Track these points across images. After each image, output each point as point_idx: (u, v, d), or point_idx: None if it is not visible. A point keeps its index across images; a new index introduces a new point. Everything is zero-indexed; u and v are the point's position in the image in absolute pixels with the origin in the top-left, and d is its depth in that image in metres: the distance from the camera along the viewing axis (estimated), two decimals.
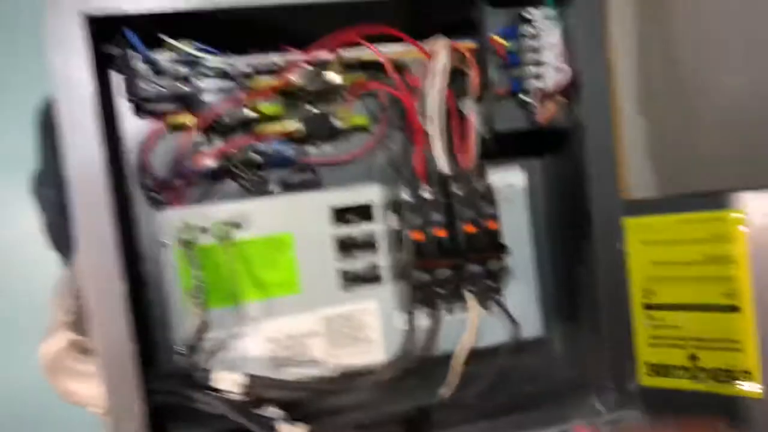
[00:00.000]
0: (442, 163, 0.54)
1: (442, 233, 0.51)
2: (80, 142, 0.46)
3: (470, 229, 0.52)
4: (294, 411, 0.54)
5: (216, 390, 0.51)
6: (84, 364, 0.51)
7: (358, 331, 0.57)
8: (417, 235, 0.51)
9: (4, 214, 0.97)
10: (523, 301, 0.60)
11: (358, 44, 0.55)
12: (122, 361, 0.46)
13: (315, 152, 0.61)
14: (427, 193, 0.52)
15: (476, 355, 0.57)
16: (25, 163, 0.93)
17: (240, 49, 0.55)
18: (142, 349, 0.56)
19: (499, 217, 0.53)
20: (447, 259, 0.51)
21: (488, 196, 0.53)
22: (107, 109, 0.52)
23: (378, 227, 0.57)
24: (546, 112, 0.56)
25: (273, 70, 0.56)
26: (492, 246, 0.52)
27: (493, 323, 0.59)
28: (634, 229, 0.64)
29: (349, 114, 0.58)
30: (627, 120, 0.84)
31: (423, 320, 0.57)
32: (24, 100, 0.94)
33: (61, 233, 0.93)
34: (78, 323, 0.55)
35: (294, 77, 0.55)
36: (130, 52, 0.51)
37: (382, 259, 0.57)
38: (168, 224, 0.53)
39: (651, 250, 0.74)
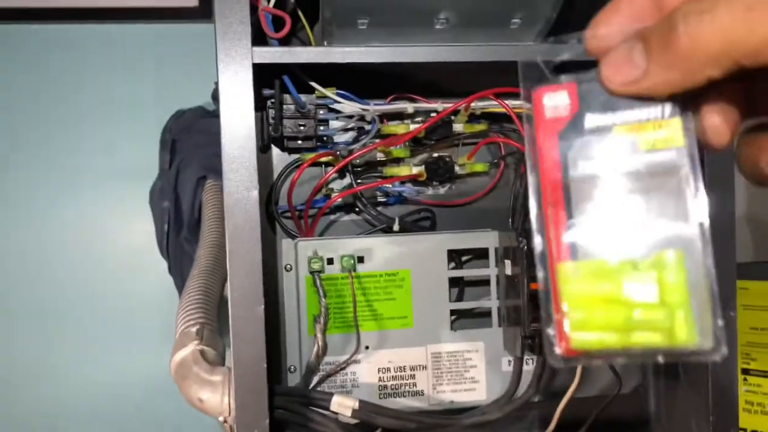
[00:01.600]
0: None
1: None
2: (239, 173, 0.50)
3: None
4: None
5: (330, 411, 0.54)
6: (211, 373, 0.56)
7: (463, 369, 0.59)
8: (535, 285, 0.53)
9: (124, 223, 1.05)
10: None
11: (486, 98, 0.59)
12: (255, 378, 0.51)
13: (433, 194, 0.64)
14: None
15: (575, 403, 0.58)
16: (145, 176, 1.00)
17: (376, 96, 0.59)
18: (268, 366, 0.60)
19: None
20: None
21: None
22: (260, 143, 0.57)
23: (492, 272, 0.59)
24: None
25: (404, 117, 0.59)
26: None
27: (593, 374, 0.60)
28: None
29: (470, 161, 0.62)
30: None
31: (526, 365, 0.59)
32: (148, 117, 1.03)
33: (172, 243, 0.99)
34: (204, 334, 0.59)
35: (424, 126, 0.58)
36: (284, 96, 0.56)
37: (493, 302, 0.59)
38: (301, 254, 0.57)
39: (750, 315, 0.74)
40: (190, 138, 0.99)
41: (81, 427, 1.02)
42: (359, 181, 0.61)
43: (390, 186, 0.62)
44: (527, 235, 0.55)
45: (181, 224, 0.96)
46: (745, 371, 0.73)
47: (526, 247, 0.55)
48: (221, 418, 0.54)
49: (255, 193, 0.50)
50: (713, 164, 0.55)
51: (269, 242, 0.62)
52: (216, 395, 0.55)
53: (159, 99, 1.03)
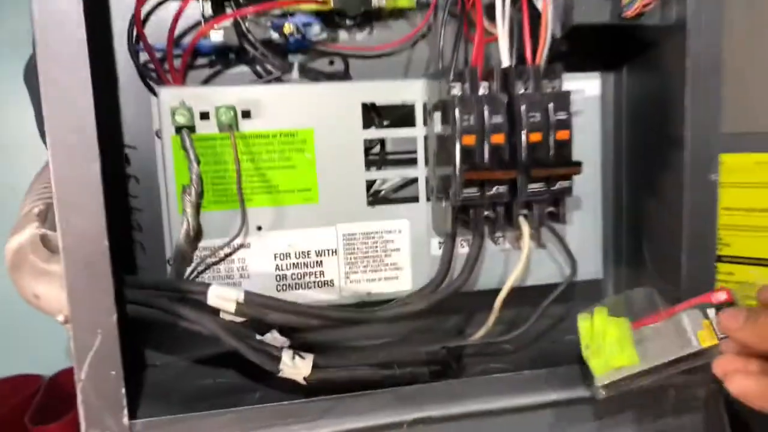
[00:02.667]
0: (506, 57, 0.43)
1: (499, 139, 0.41)
2: None
3: (535, 137, 0.42)
4: (299, 341, 0.45)
5: (208, 308, 0.42)
6: (52, 263, 0.43)
7: (383, 253, 0.47)
8: (468, 140, 0.41)
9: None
10: (581, 236, 0.50)
11: None
12: (92, 259, 0.38)
13: (347, 39, 0.51)
14: (485, 90, 0.42)
15: (518, 295, 0.47)
16: (20, 49, 0.83)
17: None
18: (121, 252, 0.48)
19: (572, 126, 0.42)
20: (503, 171, 0.41)
21: (561, 99, 0.42)
22: None
23: (418, 132, 0.46)
24: (636, 5, 0.45)
25: None
26: (560, 161, 0.42)
27: (542, 259, 0.49)
28: None
29: None
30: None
31: (461, 248, 0.47)
32: None
33: None
34: (49, 216, 0.46)
35: None
36: None
37: (419, 171, 0.47)
38: (163, 106, 0.43)
39: (725, 194, 0.63)
40: None
41: None
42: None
43: (290, 25, 0.47)
44: (462, 79, 0.42)
45: None
46: (716, 258, 0.63)
47: (459, 95, 0.42)
48: (61, 318, 0.41)
49: (77, 15, 0.36)
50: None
51: (121, 93, 0.48)
52: (53, 289, 0.42)
53: None
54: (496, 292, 0.47)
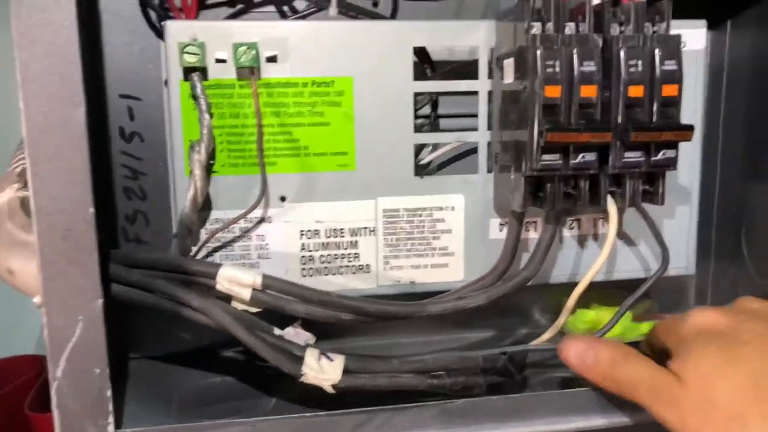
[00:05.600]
0: None
1: (591, 92, 0.32)
2: None
3: (635, 91, 0.33)
4: (325, 338, 0.37)
5: (217, 294, 0.34)
6: (29, 231, 0.35)
7: (431, 235, 0.39)
8: (552, 91, 0.32)
9: None
10: (672, 224, 0.41)
11: None
12: (73, 227, 0.30)
13: None
14: (572, 30, 0.33)
15: (597, 288, 0.39)
16: None
17: None
18: (108, 222, 0.40)
19: (683, 80, 0.33)
20: (594, 133, 0.32)
21: (669, 45, 0.33)
22: None
23: (481, 86, 0.38)
24: None
25: None
26: (665, 123, 0.33)
27: (621, 248, 0.41)
28: None
29: None
30: None
31: (530, 231, 0.39)
32: None
33: None
34: None
35: None
36: None
37: (480, 135, 0.38)
38: (170, 43, 0.35)
39: None
40: None
41: None
42: None
43: None
44: (544, 17, 0.33)
45: None
46: None
47: (539, 35, 0.33)
48: (37, 300, 0.33)
49: None
50: None
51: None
52: (32, 263, 0.34)
53: None
54: (558, 287, 0.38)
